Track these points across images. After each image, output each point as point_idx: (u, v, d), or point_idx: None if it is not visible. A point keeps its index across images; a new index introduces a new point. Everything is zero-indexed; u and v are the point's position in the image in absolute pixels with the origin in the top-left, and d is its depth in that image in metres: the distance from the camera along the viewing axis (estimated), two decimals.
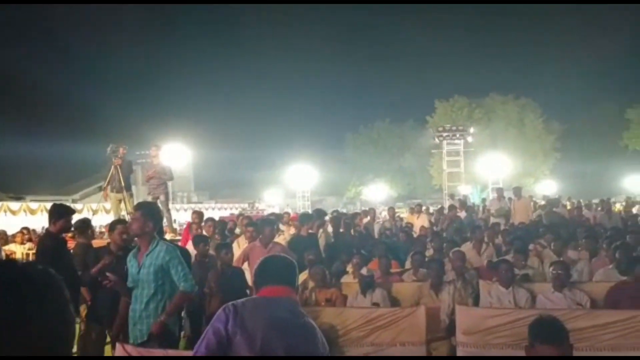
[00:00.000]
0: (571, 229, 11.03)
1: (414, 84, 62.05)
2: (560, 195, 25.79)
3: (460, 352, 4.44)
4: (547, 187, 36.43)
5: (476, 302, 5.93)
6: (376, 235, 11.56)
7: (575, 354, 3.08)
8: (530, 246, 8.24)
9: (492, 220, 13.06)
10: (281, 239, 8.44)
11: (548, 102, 43.49)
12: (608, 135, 42.76)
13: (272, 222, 7.45)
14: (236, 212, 27.08)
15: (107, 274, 4.32)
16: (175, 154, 28.96)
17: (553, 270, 5.53)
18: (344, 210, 26.52)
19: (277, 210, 25.78)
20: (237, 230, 10.61)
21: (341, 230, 9.92)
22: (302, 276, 6.94)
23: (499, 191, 15.49)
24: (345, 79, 76.09)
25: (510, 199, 15.42)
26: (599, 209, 14.66)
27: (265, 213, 23.61)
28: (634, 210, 16.80)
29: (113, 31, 60.86)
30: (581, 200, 19.57)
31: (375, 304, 5.76)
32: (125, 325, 4.20)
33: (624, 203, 21.44)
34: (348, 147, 52.80)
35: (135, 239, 4.54)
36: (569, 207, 17.58)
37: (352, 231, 10.51)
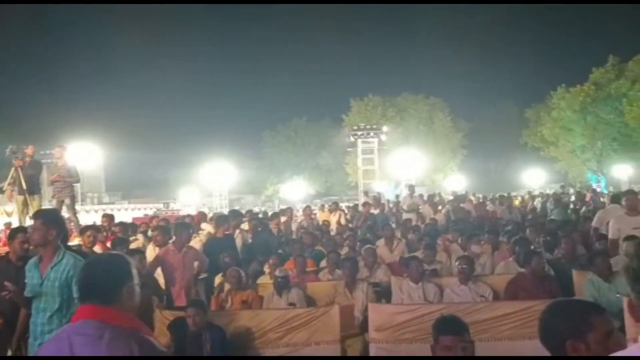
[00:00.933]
0: (476, 223, 11.70)
1: (330, 82, 63.07)
2: (467, 190, 27.11)
3: (372, 349, 4.59)
4: (455, 183, 38.20)
5: (388, 299, 6.16)
6: (293, 235, 11.63)
7: (478, 345, 3.29)
8: (439, 241, 8.66)
9: (405, 216, 13.51)
10: (196, 241, 8.28)
11: (456, 101, 45.68)
12: (509, 133, 45.53)
13: (187, 225, 7.30)
14: (150, 212, 26.24)
15: (6, 283, 4.07)
16: (85, 153, 27.62)
17: (458, 265, 5.85)
18: (263, 209, 26.44)
19: (193, 210, 25.23)
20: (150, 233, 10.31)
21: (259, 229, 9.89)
22: (218, 279, 6.88)
23: (411, 188, 16.04)
24: (262, 76, 75.81)
25: (421, 195, 16.07)
26: (498, 203, 15.56)
27: (181, 213, 23.06)
28: (536, 203, 18.00)
29: (16, 23, 56.85)
30: (485, 195, 20.71)
31: (292, 304, 5.82)
32: (24, 338, 3.98)
33: (524, 197, 22.93)
34: (266, 145, 52.64)
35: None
36: (474, 202, 18.52)
37: (274, 231, 10.51)
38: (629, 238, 6.05)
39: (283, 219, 13.14)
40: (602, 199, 16.26)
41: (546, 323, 2.06)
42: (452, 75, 55.82)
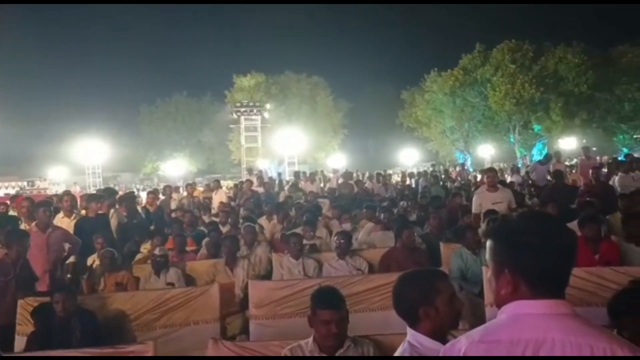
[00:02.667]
0: (356, 199, 12.15)
1: (212, 57, 61.31)
2: (347, 168, 27.98)
3: (252, 325, 4.62)
4: (336, 161, 39.28)
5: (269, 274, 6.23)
6: (172, 213, 11.29)
7: (353, 316, 3.44)
8: (321, 217, 8.90)
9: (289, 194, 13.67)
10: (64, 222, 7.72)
11: (337, 82, 46.66)
12: (387, 113, 47.52)
13: (47, 203, 6.75)
14: (12, 191, 24.09)
15: None
16: None
17: (336, 240, 6.05)
18: (140, 187, 25.32)
19: (62, 189, 23.51)
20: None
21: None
22: (90, 261, 6.51)
23: (296, 174, 16.34)
24: (138, 47, 71.76)
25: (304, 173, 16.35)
26: (375, 180, 16.27)
27: (49, 192, 21.42)
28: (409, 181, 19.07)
29: None
30: (365, 173, 21.52)
31: (170, 284, 5.68)
32: None
33: (404, 173, 24.16)
34: (143, 120, 50.19)
35: None
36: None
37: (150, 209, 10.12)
38: (489, 212, 6.62)
39: (162, 198, 12.72)
40: (468, 177, 17.59)
41: (398, 292, 2.20)
42: (333, 56, 56.99)
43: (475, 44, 35.61)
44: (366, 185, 16.85)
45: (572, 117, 32.22)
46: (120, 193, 11.40)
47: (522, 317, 1.40)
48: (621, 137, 33.91)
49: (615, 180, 9.76)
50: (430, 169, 21.05)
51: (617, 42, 34.10)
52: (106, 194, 9.02)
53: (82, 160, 31.46)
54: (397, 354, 2.17)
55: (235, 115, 33.08)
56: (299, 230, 7.33)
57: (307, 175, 16.41)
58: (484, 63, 34.58)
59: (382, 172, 17.75)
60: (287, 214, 9.24)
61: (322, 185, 17.14)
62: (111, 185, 20.38)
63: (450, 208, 9.41)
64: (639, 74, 31.43)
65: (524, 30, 46.40)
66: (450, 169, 26.22)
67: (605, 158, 22.81)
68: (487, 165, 29.12)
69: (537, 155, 34.49)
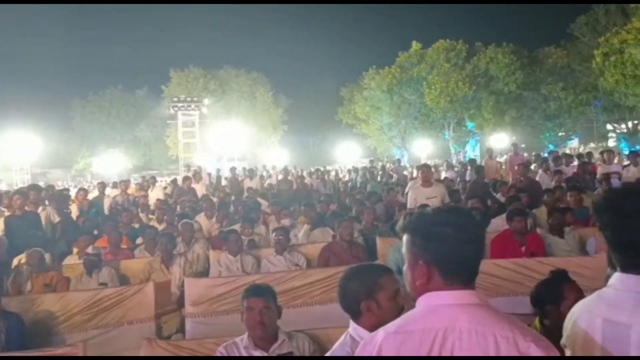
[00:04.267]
0: (296, 196, 12.21)
1: (148, 51, 59.64)
2: (286, 164, 27.99)
3: (188, 323, 4.56)
4: (277, 157, 39.20)
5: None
6: (106, 211, 10.95)
7: (292, 311, 3.48)
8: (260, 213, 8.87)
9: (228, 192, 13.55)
10: None
11: (277, 77, 46.57)
12: (326, 110, 47.83)
13: None
14: None
15: None
16: None
17: (275, 236, 6.05)
18: (71, 184, 24.31)
19: None
20: None
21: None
22: (16, 261, 6.21)
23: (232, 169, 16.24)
24: (70, 40, 68.81)
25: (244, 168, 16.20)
26: (315, 177, 16.40)
27: None
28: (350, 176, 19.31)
29: None
30: (304, 169, 21.61)
31: (103, 284, 5.52)
32: None
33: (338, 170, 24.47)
34: (75, 115, 48.20)
35: None
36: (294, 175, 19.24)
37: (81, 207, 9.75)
38: (423, 207, 6.80)
39: (93, 195, 12.29)
40: (404, 172, 17.99)
41: (343, 286, 2.25)
42: (273, 51, 56.78)
43: (411, 42, 36.43)
44: (305, 181, 16.96)
45: (502, 114, 33.55)
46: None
47: (434, 307, 1.49)
48: (547, 134, 35.63)
49: (539, 176, 10.28)
50: (368, 165, 21.37)
51: (543, 43, 35.83)
52: (32, 191, 8.63)
53: (9, 156, 29.83)
54: (337, 344, 2.21)
55: (172, 110, 32.31)
56: (237, 227, 7.28)
57: (247, 171, 16.28)
58: (420, 61, 35.40)
59: (322, 169, 17.90)
60: (227, 211, 9.16)
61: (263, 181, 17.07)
62: (40, 183, 19.44)
63: (387, 203, 9.63)
64: (563, 75, 33.14)
65: (457, 31, 47.84)
66: (388, 165, 26.76)
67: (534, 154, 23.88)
68: (423, 161, 29.96)
69: (470, 151, 35.78)
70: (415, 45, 36.10)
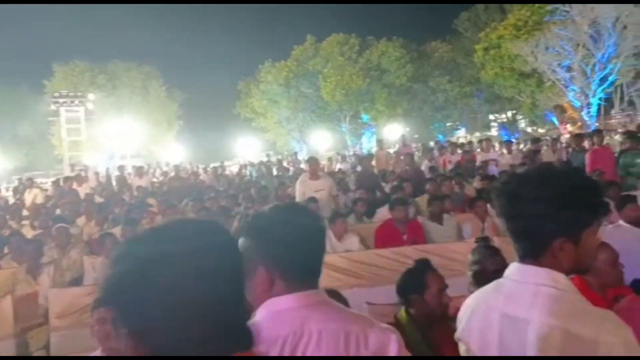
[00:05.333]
0: (189, 193, 11.81)
1: (28, 44, 55.10)
2: (182, 161, 27.23)
3: (53, 337, 4.23)
4: (173, 154, 37.92)
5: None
6: None
7: None
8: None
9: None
10: None
11: (170, 71, 44.97)
12: (224, 104, 46.99)
13: None
14: None
15: None
16: None
17: None
18: None
19: None
20: None
21: None
22: None
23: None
24: None
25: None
26: (211, 172, 16.05)
27: None
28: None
29: None
30: (198, 165, 21.10)
31: None
32: None
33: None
34: None
35: None
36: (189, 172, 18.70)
37: None
38: (310, 200, 6.83)
39: None
40: (300, 166, 18.07)
41: None
42: (166, 45, 54.75)
43: (306, 36, 36.70)
44: (201, 177, 16.55)
45: (394, 106, 34.79)
46: None
47: (279, 313, 1.40)
48: (437, 125, 37.47)
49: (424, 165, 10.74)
50: (265, 159, 21.28)
51: (430, 38, 37.58)
52: None
53: None
54: None
55: (54, 107, 30.11)
56: (118, 229, 6.90)
57: (136, 169, 15.55)
58: (315, 55, 35.80)
59: (219, 164, 17.56)
60: (108, 214, 8.66)
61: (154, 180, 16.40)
62: None
63: (278, 198, 9.59)
64: (449, 68, 34.98)
65: (350, 25, 49.07)
66: (288, 159, 26.80)
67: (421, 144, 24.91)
68: (322, 154, 30.35)
69: (366, 143, 36.74)
70: (310, 38, 36.42)
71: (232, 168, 23.48)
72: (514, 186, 1.47)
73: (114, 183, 15.82)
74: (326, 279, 4.84)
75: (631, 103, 27.51)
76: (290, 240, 1.42)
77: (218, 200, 9.03)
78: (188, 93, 46.42)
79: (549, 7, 24.76)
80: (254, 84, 39.44)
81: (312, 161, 7.90)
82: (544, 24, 24.90)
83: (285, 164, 19.43)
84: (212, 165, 22.24)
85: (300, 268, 1.44)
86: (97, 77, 39.77)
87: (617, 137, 11.01)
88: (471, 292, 1.71)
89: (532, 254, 1.45)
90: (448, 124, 38.10)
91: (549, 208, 1.40)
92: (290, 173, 15.62)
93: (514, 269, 1.51)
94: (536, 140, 14.09)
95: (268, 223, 1.46)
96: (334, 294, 2.85)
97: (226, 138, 48.00)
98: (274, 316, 1.40)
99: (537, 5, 26.92)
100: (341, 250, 5.80)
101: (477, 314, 1.56)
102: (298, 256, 1.43)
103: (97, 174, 18.18)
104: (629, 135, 8.94)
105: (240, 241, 1.45)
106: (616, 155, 8.54)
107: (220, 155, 38.29)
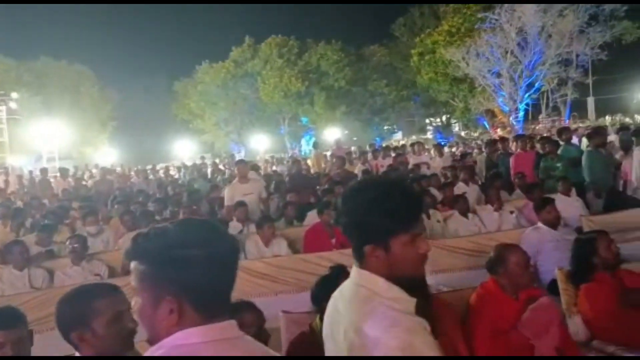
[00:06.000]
0: (115, 197, 11.34)
1: None
2: (113, 163, 26.33)
3: None
4: (106, 156, 36.60)
5: None
6: None
7: (45, 335, 3.06)
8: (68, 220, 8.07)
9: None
10: None
11: (104, 71, 43.35)
12: (160, 105, 45.88)
13: None
14: None
15: None
16: None
17: (69, 244, 5.47)
18: None
19: None
20: None
21: None
22: None
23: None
24: None
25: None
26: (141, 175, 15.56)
27: None
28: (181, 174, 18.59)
29: None
30: (130, 167, 20.42)
31: None
32: None
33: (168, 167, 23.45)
34: None
35: None
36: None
37: None
38: (239, 204, 6.69)
39: None
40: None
41: (57, 313, 1.92)
42: (100, 43, 52.84)
43: (245, 37, 36.38)
44: (132, 180, 16.01)
45: (333, 109, 35.02)
46: None
47: (186, 347, 1.18)
48: (375, 128, 38.02)
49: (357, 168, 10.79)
50: (200, 161, 20.85)
51: (368, 42, 38.11)
52: None
53: None
54: None
55: None
56: (32, 236, 6.50)
57: (61, 171, 14.83)
58: (254, 56, 35.54)
59: (150, 167, 17.03)
60: (26, 218, 8.17)
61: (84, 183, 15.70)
62: None
63: (210, 201, 9.37)
64: (387, 72, 35.58)
65: (289, 27, 48.94)
66: (225, 161, 26.38)
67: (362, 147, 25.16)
68: (260, 156, 30.09)
69: (305, 145, 36.77)
70: (248, 40, 36.12)
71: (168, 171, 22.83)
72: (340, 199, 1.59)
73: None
74: (250, 287, 4.75)
75: (556, 108, 28.93)
76: (203, 264, 1.19)
77: (145, 204, 8.70)
78: (123, 93, 44.98)
79: (480, 15, 25.64)
80: (191, 85, 38.73)
81: (241, 164, 7.75)
82: (475, 31, 25.75)
83: (221, 166, 19.12)
84: (146, 167, 21.59)
85: (216, 294, 1.24)
86: (22, 75, 37.85)
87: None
88: None
89: (357, 258, 1.53)
90: (386, 127, 38.73)
91: (355, 217, 1.49)
92: (226, 175, 15.36)
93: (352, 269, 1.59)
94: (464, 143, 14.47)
95: (173, 244, 1.20)
96: (248, 306, 2.74)
97: (163, 140, 46.82)
98: (179, 350, 1.18)
99: (468, 12, 27.84)
100: (269, 256, 5.69)
101: (328, 310, 1.64)
102: (215, 280, 1.22)
103: (19, 176, 17.20)
104: (547, 140, 9.34)
105: (133, 265, 1.23)
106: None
107: (157, 158, 37.30)
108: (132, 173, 18.28)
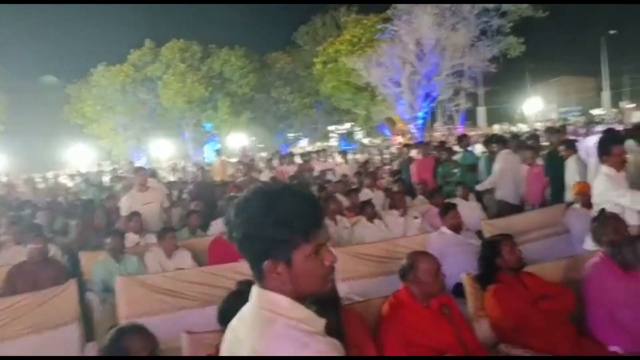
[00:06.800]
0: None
1: None
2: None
3: None
4: None
5: None
6: None
7: None
8: None
9: None
10: None
11: None
12: (52, 108, 42.83)
13: None
14: None
15: None
16: None
17: None
18: None
19: None
20: None
21: None
22: None
23: None
24: None
25: None
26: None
27: None
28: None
29: None
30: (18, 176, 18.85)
31: None
32: None
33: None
34: None
35: None
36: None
37: None
38: (134, 214, 6.31)
39: None
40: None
41: None
42: None
43: (144, 40, 34.99)
44: (20, 189, 14.76)
45: (238, 116, 34.58)
46: None
47: None
48: (280, 134, 38.02)
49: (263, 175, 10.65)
50: (97, 169, 19.70)
51: (272, 49, 38.08)
52: None
53: None
54: None
55: None
56: None
57: None
58: (155, 60, 34.30)
59: (41, 175, 15.78)
60: None
61: None
62: None
63: (108, 211, 8.81)
64: (290, 79, 35.74)
65: (191, 31, 47.90)
66: (124, 168, 25.10)
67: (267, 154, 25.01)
68: (164, 163, 29.02)
69: (209, 152, 35.96)
70: (148, 43, 34.80)
71: (61, 179, 21.31)
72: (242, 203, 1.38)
73: None
74: (150, 304, 4.43)
75: (450, 117, 30.52)
76: None
77: (33, 216, 8.01)
78: (10, 95, 41.48)
79: (380, 26, 26.49)
80: (85, 88, 36.54)
81: (140, 171, 7.31)
82: (375, 42, 26.53)
83: (119, 173, 18.15)
84: (35, 175, 20.02)
85: None
86: None
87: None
88: None
89: (257, 277, 1.36)
90: (291, 134, 38.86)
91: (249, 230, 1.31)
92: (125, 184, 14.55)
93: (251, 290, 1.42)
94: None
95: None
96: (137, 330, 2.49)
97: (56, 145, 43.70)
98: None
99: (369, 24, 28.69)
100: (171, 268, 5.39)
101: (225, 341, 1.45)
102: None
103: None
104: (444, 147, 9.76)
105: None
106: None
107: (50, 164, 34.76)
108: (20, 182, 16.84)
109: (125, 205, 6.78)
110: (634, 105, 41.53)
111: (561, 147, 7.30)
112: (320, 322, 1.36)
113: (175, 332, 3.17)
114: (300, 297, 1.34)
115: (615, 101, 42.87)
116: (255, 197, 1.34)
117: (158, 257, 5.52)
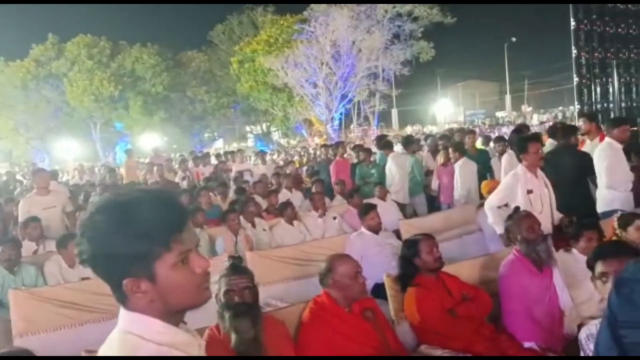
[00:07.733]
0: None
1: None
2: None
3: None
4: None
5: None
6: None
7: None
8: None
9: None
10: None
11: None
12: None
13: None
14: None
15: None
16: None
17: None
18: None
19: None
20: None
21: None
22: None
23: None
24: None
25: None
26: None
27: None
28: None
29: None
30: None
31: None
32: None
33: None
34: None
35: None
36: None
37: None
38: (31, 220, 5.84)
39: None
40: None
41: None
42: None
43: (47, 34, 32.94)
44: None
45: (151, 115, 33.36)
46: None
47: None
48: (195, 135, 37.08)
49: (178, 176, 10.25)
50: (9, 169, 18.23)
51: (187, 47, 37.06)
52: None
53: None
54: None
55: None
56: None
57: None
58: (59, 56, 32.37)
59: None
60: None
61: None
62: None
63: (5, 217, 8.12)
64: (206, 79, 34.96)
65: (99, 27, 45.78)
66: (24, 170, 23.40)
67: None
68: (70, 165, 27.31)
69: (120, 153, 34.37)
70: (52, 38, 32.77)
71: None
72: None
73: None
74: (49, 319, 4.05)
75: (366, 118, 31.10)
76: None
77: None
78: None
79: (296, 26, 26.53)
80: None
81: (40, 173, 6.76)
82: (292, 42, 26.53)
83: (19, 176, 16.87)
84: None
85: None
86: None
87: (349, 150, 12.11)
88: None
89: (119, 299, 1.17)
90: (206, 135, 38.03)
91: (100, 246, 1.12)
92: (25, 187, 13.52)
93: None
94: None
95: None
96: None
97: None
98: None
99: (285, 24, 28.65)
100: (74, 279, 4.98)
101: None
102: None
103: None
104: (361, 148, 9.84)
105: None
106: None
107: None
108: None
109: (24, 209, 6.22)
110: (530, 108, 44.76)
111: (495, 145, 7.96)
112: (197, 346, 1.21)
113: (76, 349, 2.91)
114: (174, 315, 1.18)
115: (516, 104, 45.59)
116: (103, 210, 1.14)
117: (59, 266, 5.09)
